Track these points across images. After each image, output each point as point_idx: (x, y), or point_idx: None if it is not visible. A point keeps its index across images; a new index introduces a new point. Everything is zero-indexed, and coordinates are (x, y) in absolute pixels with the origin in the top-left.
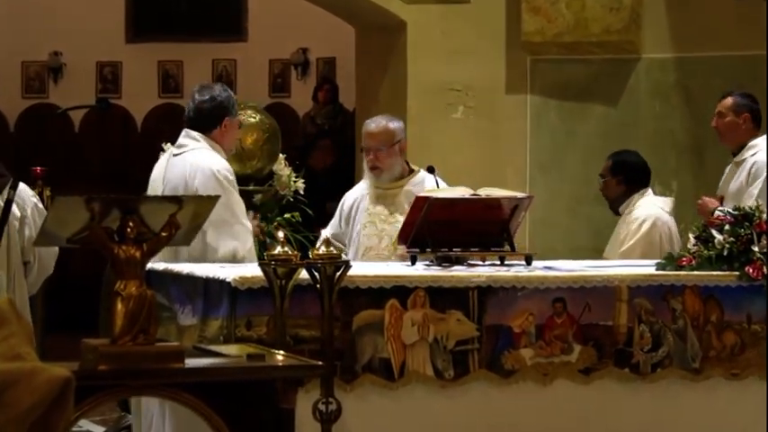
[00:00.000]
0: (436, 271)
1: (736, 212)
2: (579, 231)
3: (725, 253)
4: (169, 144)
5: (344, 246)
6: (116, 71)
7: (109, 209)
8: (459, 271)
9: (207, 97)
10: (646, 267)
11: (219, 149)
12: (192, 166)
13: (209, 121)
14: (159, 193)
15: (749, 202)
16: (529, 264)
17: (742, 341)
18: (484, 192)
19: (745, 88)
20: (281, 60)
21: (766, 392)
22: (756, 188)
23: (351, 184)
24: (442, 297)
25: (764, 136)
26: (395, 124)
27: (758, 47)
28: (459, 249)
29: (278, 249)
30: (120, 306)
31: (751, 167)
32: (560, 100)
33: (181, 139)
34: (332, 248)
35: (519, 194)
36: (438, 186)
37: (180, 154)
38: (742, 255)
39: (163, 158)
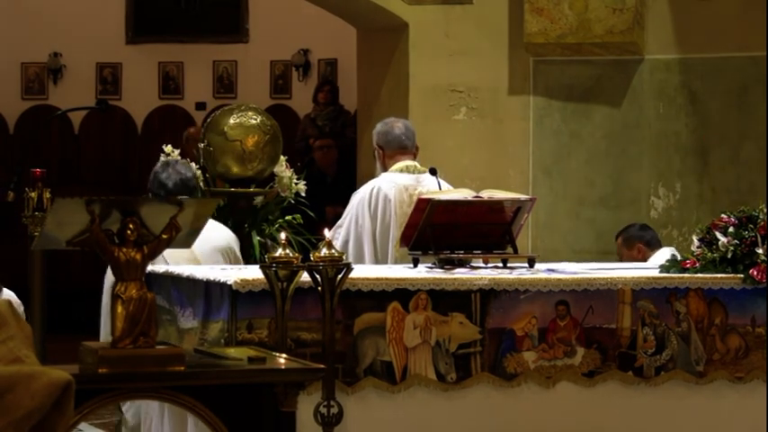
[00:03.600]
0: (438, 273)
1: (739, 215)
2: (582, 233)
3: (729, 255)
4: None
5: None
6: (116, 72)
7: (109, 211)
8: (461, 273)
9: (192, 174)
10: (649, 270)
11: None
12: (225, 230)
13: (194, 196)
14: (194, 253)
15: None
16: (532, 266)
17: (746, 344)
18: (486, 194)
19: (749, 89)
20: (282, 62)
21: (766, 395)
22: None
23: (353, 186)
24: (445, 300)
25: (657, 252)
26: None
27: (760, 47)
28: (461, 252)
29: (279, 252)
30: (120, 309)
31: None
32: (563, 101)
33: None
34: (333, 251)
35: (522, 196)
36: (440, 188)
37: None
38: (746, 257)
39: None
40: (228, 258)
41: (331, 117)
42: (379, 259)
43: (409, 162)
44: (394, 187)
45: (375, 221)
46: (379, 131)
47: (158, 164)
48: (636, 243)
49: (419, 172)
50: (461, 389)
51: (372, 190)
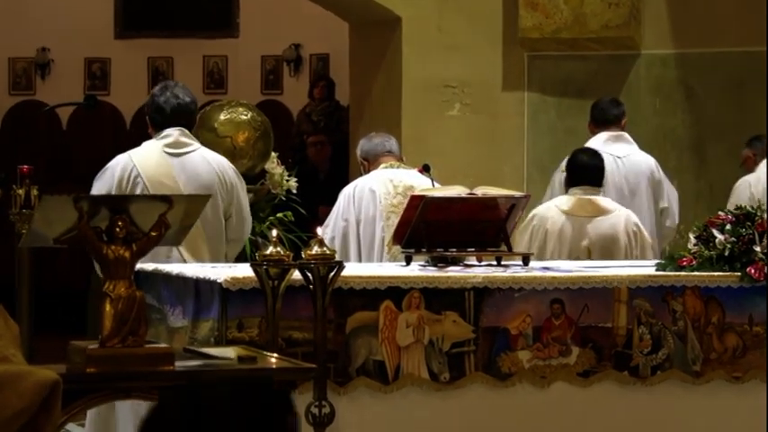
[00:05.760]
0: (432, 272)
1: (737, 212)
2: None
3: (726, 253)
4: (153, 141)
5: None
6: (105, 67)
7: (97, 208)
8: (454, 272)
9: (190, 99)
10: (645, 268)
11: None
12: (217, 163)
13: (192, 122)
14: (177, 192)
15: None
16: (526, 264)
17: (743, 343)
18: (480, 191)
19: (746, 84)
20: (274, 57)
21: (767, 394)
22: None
23: (346, 183)
24: (438, 298)
25: (596, 136)
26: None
27: (760, 42)
28: (454, 249)
29: (270, 249)
30: (108, 307)
31: None
32: (558, 97)
33: (180, 137)
34: (325, 249)
35: (516, 194)
36: (433, 186)
37: (186, 153)
38: (743, 255)
39: (153, 156)
40: (223, 186)
41: (326, 113)
42: (365, 252)
43: (393, 161)
44: (378, 180)
45: (360, 214)
46: (361, 145)
47: (157, 87)
48: (588, 123)
49: (404, 168)
50: (455, 389)
51: (357, 186)
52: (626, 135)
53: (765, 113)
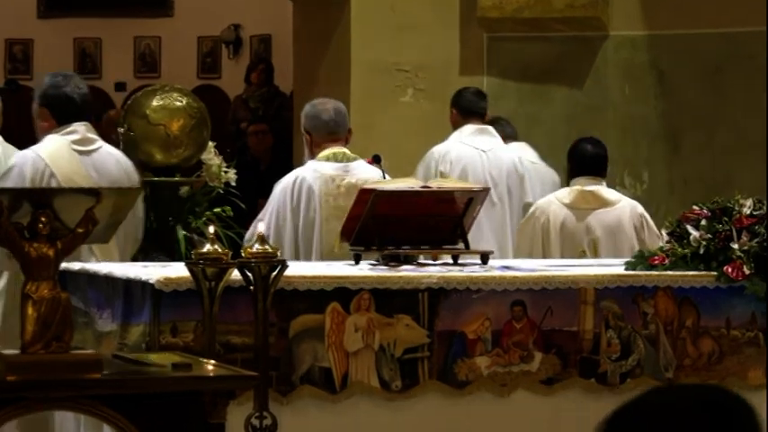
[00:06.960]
0: (382, 271)
1: (713, 206)
2: None
3: (701, 251)
4: (56, 136)
5: None
6: (27, 49)
7: (19, 202)
8: (407, 271)
9: (87, 89)
10: (614, 267)
11: None
12: (124, 161)
13: (91, 113)
14: None
15: None
16: (485, 263)
17: (720, 348)
18: (435, 183)
19: (723, 69)
20: (211, 38)
21: (766, 398)
22: None
23: (288, 172)
24: (389, 300)
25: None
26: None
27: (736, 23)
28: (407, 247)
29: (207, 247)
30: (30, 310)
31: None
32: (520, 82)
33: (87, 133)
34: (266, 246)
35: (474, 186)
36: (384, 178)
37: (94, 150)
38: (720, 253)
39: (63, 153)
40: (130, 184)
41: (265, 99)
42: (302, 252)
43: (337, 149)
44: (319, 178)
45: (297, 216)
46: (307, 114)
47: (55, 76)
48: (451, 108)
49: (348, 159)
50: (407, 398)
51: (296, 180)
52: (490, 129)
53: (766, 102)
